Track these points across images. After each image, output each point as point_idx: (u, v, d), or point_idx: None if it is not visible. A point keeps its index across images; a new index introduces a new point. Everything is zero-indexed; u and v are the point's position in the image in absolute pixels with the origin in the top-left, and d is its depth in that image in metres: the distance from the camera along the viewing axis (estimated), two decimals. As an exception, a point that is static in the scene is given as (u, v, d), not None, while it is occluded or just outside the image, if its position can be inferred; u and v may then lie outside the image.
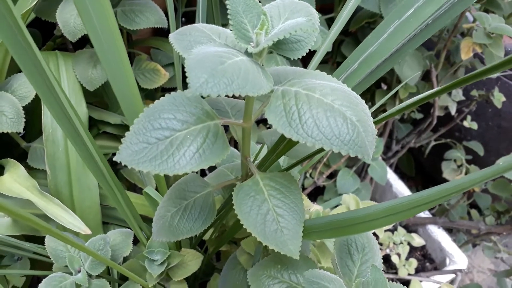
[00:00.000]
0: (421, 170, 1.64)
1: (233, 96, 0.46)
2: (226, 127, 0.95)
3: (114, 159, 0.33)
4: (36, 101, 0.66)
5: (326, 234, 0.39)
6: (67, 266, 0.50)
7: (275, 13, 0.37)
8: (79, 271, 0.50)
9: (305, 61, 0.94)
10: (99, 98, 0.86)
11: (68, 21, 0.61)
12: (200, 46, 0.33)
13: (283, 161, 0.65)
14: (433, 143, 1.29)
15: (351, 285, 0.39)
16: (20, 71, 0.67)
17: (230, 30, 0.34)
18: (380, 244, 0.96)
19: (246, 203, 0.39)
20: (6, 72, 0.66)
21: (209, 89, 0.28)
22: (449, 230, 1.53)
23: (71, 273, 0.50)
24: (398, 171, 1.59)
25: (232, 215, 0.66)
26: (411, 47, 0.39)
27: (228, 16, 0.33)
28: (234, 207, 0.39)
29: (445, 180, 1.14)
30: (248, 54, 0.34)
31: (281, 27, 0.34)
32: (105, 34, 0.39)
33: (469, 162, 1.21)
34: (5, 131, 0.57)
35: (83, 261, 0.50)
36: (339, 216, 0.38)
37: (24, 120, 0.59)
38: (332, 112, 0.32)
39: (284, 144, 0.44)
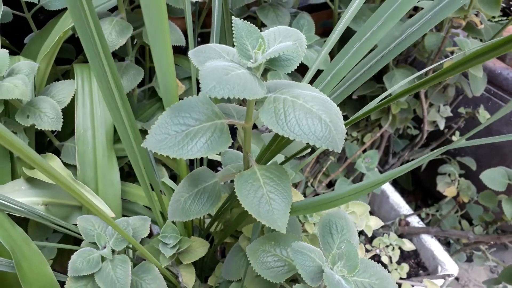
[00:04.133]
0: (420, 185, 1.72)
1: (240, 104, 0.56)
2: (234, 137, 1.06)
3: (141, 145, 0.43)
4: (68, 106, 0.76)
5: (308, 211, 0.49)
6: (94, 243, 0.60)
7: (272, 37, 0.47)
8: (105, 247, 0.59)
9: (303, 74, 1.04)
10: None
11: (102, 38, 0.71)
12: (211, 61, 0.43)
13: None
14: (429, 158, 1.37)
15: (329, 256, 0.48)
16: (57, 80, 0.78)
17: (235, 49, 0.44)
18: (373, 247, 1.04)
19: (245, 187, 0.49)
20: (46, 80, 0.77)
21: (216, 92, 0.38)
22: (447, 244, 1.60)
23: (98, 249, 0.59)
24: (398, 186, 1.66)
25: (235, 212, 0.75)
26: (380, 65, 0.49)
27: (233, 39, 0.43)
28: (235, 190, 0.48)
29: (442, 194, 1.22)
30: (248, 68, 0.44)
31: (273, 48, 0.44)
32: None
33: (463, 176, 1.29)
34: (47, 129, 0.67)
35: (108, 239, 0.60)
36: (317, 198, 0.48)
37: (62, 120, 0.69)
38: (310, 114, 0.42)
39: (276, 143, 0.54)
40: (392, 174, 0.46)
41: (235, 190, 0.49)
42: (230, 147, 0.82)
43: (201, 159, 0.83)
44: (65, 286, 0.55)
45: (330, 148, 0.41)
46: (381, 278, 0.47)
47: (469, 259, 1.49)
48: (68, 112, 0.79)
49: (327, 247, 0.50)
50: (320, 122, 0.41)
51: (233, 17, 0.44)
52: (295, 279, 0.54)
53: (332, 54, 1.08)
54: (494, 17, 1.40)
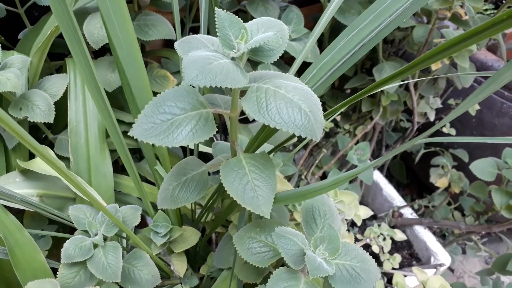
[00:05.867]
0: (415, 179, 1.73)
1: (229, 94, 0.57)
2: (227, 132, 1.07)
3: (128, 134, 0.45)
4: (61, 100, 0.78)
5: (292, 200, 0.50)
6: (86, 231, 0.61)
7: (254, 28, 0.49)
8: (96, 235, 0.61)
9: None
10: (115, 100, 0.98)
11: (93, 32, 0.73)
12: (195, 51, 0.44)
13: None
14: (423, 151, 1.39)
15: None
16: (51, 74, 0.79)
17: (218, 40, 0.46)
18: (364, 237, 1.05)
19: (230, 175, 0.50)
20: (40, 74, 0.79)
21: (198, 81, 0.39)
22: (443, 237, 1.61)
23: (90, 237, 0.61)
24: (393, 180, 1.68)
25: (225, 202, 0.77)
26: (355, 58, 0.50)
27: (216, 29, 0.44)
28: (221, 177, 0.50)
29: (437, 187, 1.23)
30: (232, 58, 0.46)
31: (255, 39, 0.45)
32: (126, 43, 0.52)
33: (456, 168, 1.31)
34: (39, 121, 0.68)
35: (99, 226, 0.61)
36: (301, 188, 0.49)
37: (54, 112, 0.71)
38: (291, 104, 0.43)
39: (263, 133, 0.56)
40: (374, 162, 0.48)
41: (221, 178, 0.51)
42: (224, 140, 0.83)
43: (192, 151, 0.84)
44: (57, 273, 0.57)
45: (308, 137, 0.42)
46: (363, 261, 0.49)
47: (465, 251, 1.51)
48: (61, 106, 0.81)
49: (310, 232, 0.52)
50: (300, 112, 0.43)
51: (216, 8, 0.45)
52: (282, 264, 0.56)
53: (322, 47, 1.10)
54: (486, 10, 1.41)
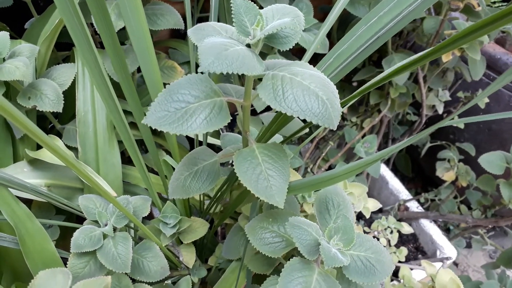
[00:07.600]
0: (421, 173, 1.73)
1: (242, 85, 0.57)
2: (234, 123, 1.05)
3: (142, 122, 0.44)
4: (69, 90, 0.77)
5: (305, 190, 0.49)
6: (96, 221, 0.61)
7: (270, 15, 0.48)
8: (106, 225, 0.60)
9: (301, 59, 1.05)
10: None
11: (102, 21, 0.72)
12: (210, 38, 0.43)
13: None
14: (428, 144, 1.38)
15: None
16: (58, 64, 0.78)
17: (234, 26, 0.45)
18: (371, 230, 1.05)
19: (244, 164, 0.49)
20: (47, 63, 0.78)
21: (215, 67, 0.39)
22: (447, 231, 1.61)
23: (99, 227, 0.60)
24: (398, 173, 1.67)
25: (234, 193, 0.76)
26: (373, 48, 0.50)
27: (232, 16, 0.44)
28: (234, 167, 0.49)
29: (442, 181, 1.22)
30: (247, 44, 0.45)
31: (271, 25, 0.45)
32: (139, 33, 0.51)
33: (462, 161, 1.30)
34: (48, 110, 0.68)
35: (109, 217, 0.61)
36: (314, 177, 0.48)
37: (63, 102, 0.70)
38: (307, 91, 0.43)
39: (276, 123, 0.55)
40: (383, 153, 0.47)
41: (233, 167, 0.50)
42: (231, 132, 0.83)
43: (200, 142, 0.83)
44: (68, 262, 0.56)
45: (326, 125, 0.42)
46: (377, 252, 0.48)
47: (469, 245, 1.51)
48: (69, 96, 0.80)
49: (323, 222, 0.51)
50: (317, 99, 0.42)
51: (231, -5, 0.44)
52: (292, 255, 0.56)
53: (330, 38, 1.09)
54: (494, 3, 1.39)
